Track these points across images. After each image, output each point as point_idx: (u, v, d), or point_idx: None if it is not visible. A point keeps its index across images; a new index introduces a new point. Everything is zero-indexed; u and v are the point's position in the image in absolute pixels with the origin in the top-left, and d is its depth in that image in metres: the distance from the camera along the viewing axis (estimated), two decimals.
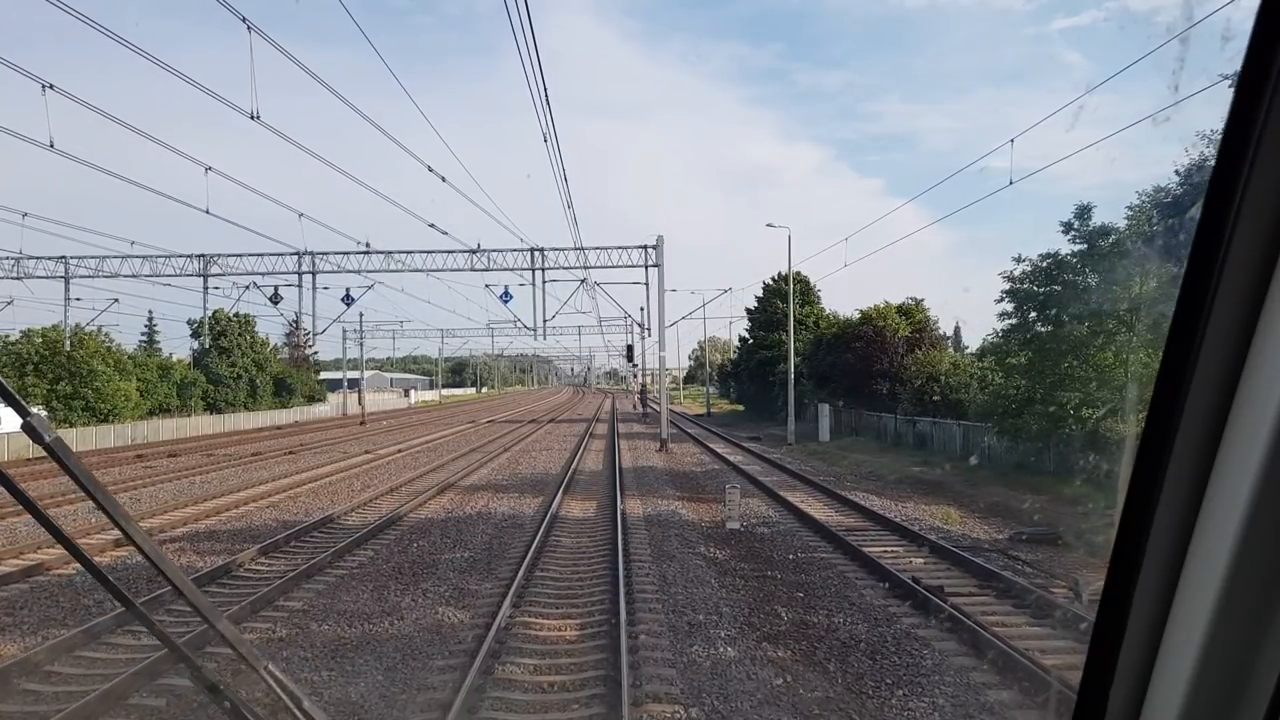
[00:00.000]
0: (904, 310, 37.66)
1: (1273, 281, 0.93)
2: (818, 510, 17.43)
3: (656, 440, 34.29)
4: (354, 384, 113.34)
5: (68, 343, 39.41)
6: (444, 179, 16.75)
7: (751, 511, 16.87)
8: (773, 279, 57.79)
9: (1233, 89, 0.92)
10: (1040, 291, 22.32)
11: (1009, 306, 23.63)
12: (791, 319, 38.03)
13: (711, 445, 34.26)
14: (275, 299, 31.55)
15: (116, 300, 40.07)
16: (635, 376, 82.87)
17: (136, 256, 31.29)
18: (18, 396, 1.23)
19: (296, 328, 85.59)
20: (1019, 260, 22.78)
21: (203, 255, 31.17)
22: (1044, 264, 21.61)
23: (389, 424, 56.85)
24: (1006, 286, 23.29)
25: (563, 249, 32.67)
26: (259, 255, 31.37)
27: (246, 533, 15.32)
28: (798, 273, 55.35)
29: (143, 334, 70.09)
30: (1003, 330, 23.88)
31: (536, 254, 32.56)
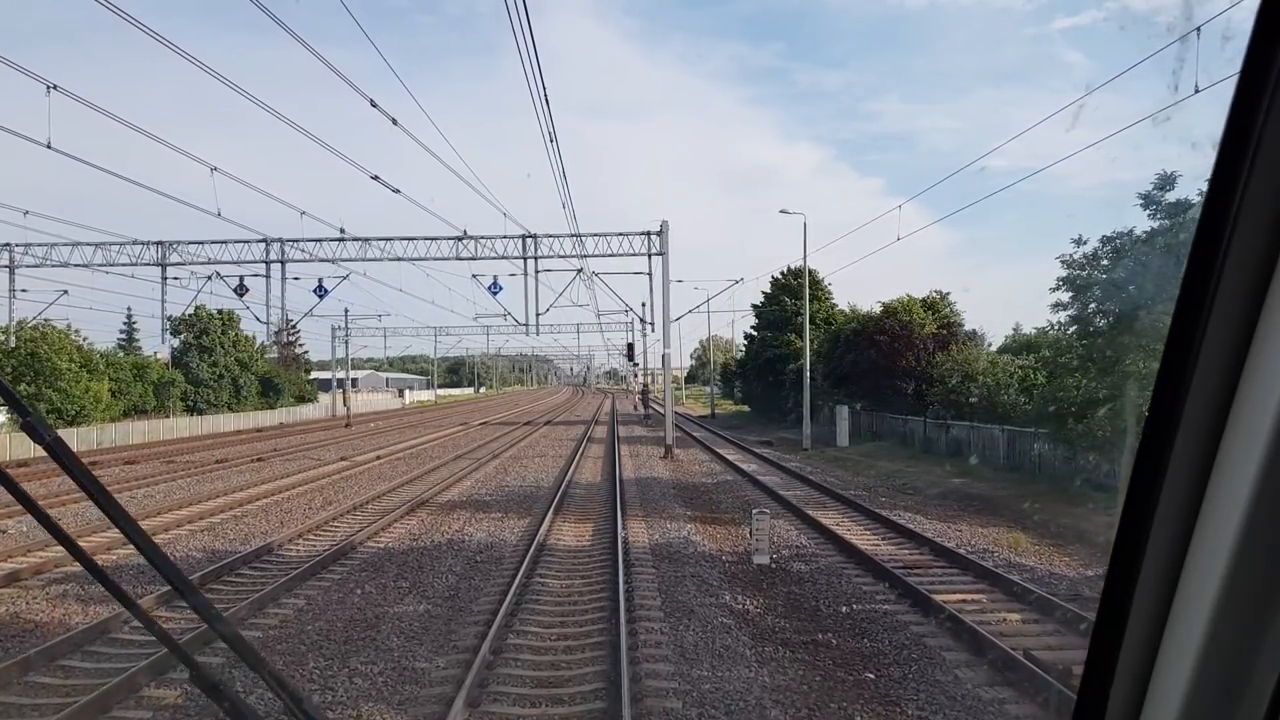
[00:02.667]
0: (928, 304, 34.71)
1: (1273, 281, 0.93)
2: (859, 536, 14.50)
3: (660, 445, 31.36)
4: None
5: (12, 339, 36.44)
6: (395, 121, 13.99)
7: (780, 538, 13.95)
8: (781, 273, 54.82)
9: (1233, 89, 0.92)
10: (1104, 277, 19.45)
11: (1065, 296, 20.75)
12: (806, 313, 35.10)
13: (720, 451, 31.34)
14: (240, 290, 28.62)
15: (65, 292, 37.09)
16: (636, 376, 79.82)
17: (88, 244, 28.34)
18: (18, 396, 1.21)
19: (286, 325, 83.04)
20: (1080, 242, 19.90)
21: (160, 242, 28.22)
22: (1116, 242, 18.66)
23: (377, 426, 53.91)
24: (1064, 273, 20.41)
25: (558, 236, 29.74)
26: (222, 243, 28.44)
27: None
28: (806, 267, 52.45)
29: (121, 331, 67.21)
30: (1060, 322, 21.02)
31: (529, 241, 29.61)
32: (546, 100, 16.11)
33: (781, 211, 33.18)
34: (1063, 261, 20.25)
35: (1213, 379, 0.99)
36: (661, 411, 55.28)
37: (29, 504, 1.27)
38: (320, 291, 29.30)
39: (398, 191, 16.75)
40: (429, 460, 28.99)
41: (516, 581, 10.71)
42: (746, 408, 64.27)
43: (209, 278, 28.47)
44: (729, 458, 28.66)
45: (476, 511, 17.22)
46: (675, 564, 12.09)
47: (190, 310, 46.47)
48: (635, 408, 66.12)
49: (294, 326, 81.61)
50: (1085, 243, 19.79)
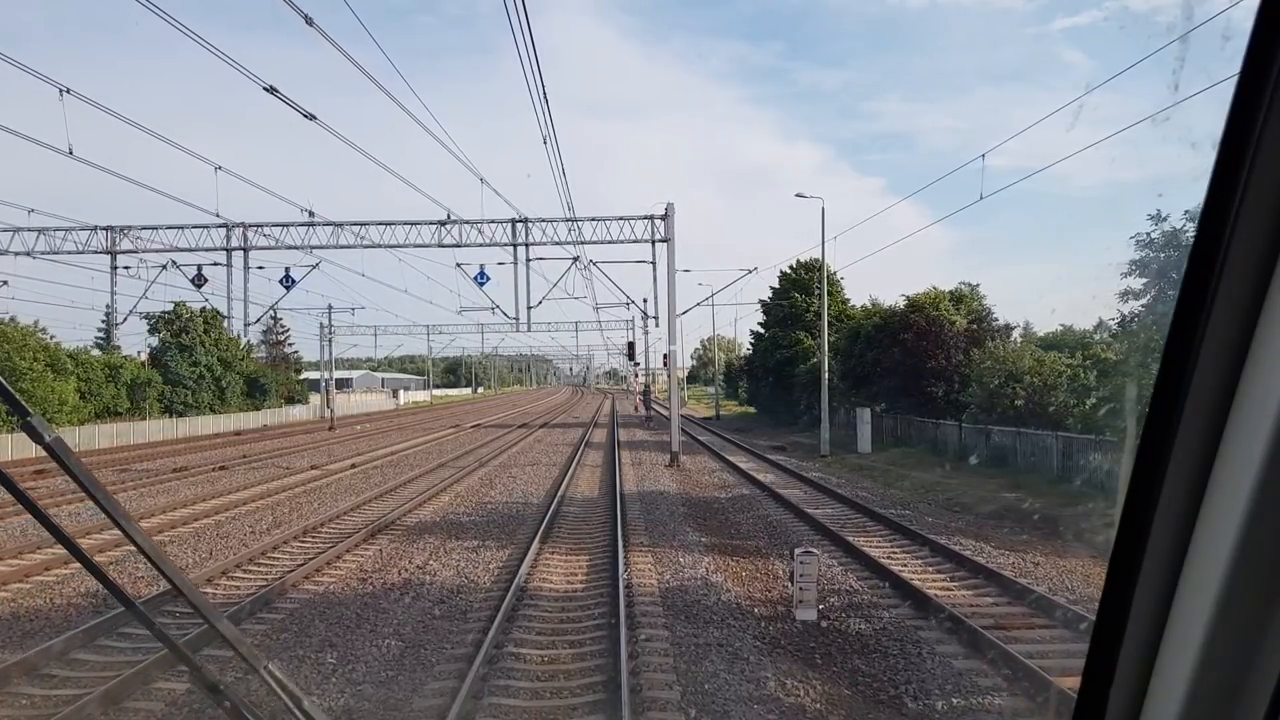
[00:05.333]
0: (956, 297, 31.83)
1: (1273, 281, 0.93)
2: (920, 574, 11.63)
3: (664, 451, 28.51)
4: (341, 384, 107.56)
5: None
6: (310, 20, 11.11)
7: (822, 576, 11.04)
8: (790, 267, 51.81)
9: (1233, 89, 0.92)
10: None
11: (1138, 282, 17.94)
12: (825, 307, 32.19)
13: (730, 458, 28.43)
14: (199, 281, 25.70)
15: (5, 283, 34.28)
16: (636, 376, 76.90)
17: (30, 230, 25.44)
18: (18, 396, 1.19)
19: (275, 323, 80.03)
20: (1158, 219, 17.05)
21: (109, 228, 25.33)
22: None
23: (364, 428, 50.98)
24: (1136, 256, 17.59)
25: (551, 220, 26.83)
26: (179, 228, 25.55)
27: (11, 625, 9.53)
28: (817, 260, 49.50)
29: (99, 329, 64.14)
30: (1134, 313, 18.18)
31: (519, 226, 26.72)
32: (538, 64, 13.50)
33: (797, 195, 30.31)
34: (1137, 242, 17.44)
35: (1213, 379, 0.98)
36: (663, 413, 52.29)
37: (29, 504, 1.24)
38: (287, 282, 26.40)
39: (312, 118, 13.83)
40: (408, 469, 26.11)
41: (482, 654, 7.82)
42: (752, 409, 61.45)
43: (163, 267, 25.62)
44: (741, 466, 25.78)
45: (448, 538, 14.31)
46: (694, 622, 9.18)
47: (142, 303, 42.77)
48: (636, 409, 63.23)
49: (281, 324, 78.99)
50: (1165, 219, 16.96)
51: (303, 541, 14.44)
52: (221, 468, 27.47)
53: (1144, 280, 17.64)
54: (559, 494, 19.26)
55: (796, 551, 9.42)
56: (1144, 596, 1.09)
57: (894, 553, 13.14)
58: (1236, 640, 0.99)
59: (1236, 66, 0.90)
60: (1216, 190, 0.94)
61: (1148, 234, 17.15)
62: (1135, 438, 1.09)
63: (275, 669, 1.47)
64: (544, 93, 13.36)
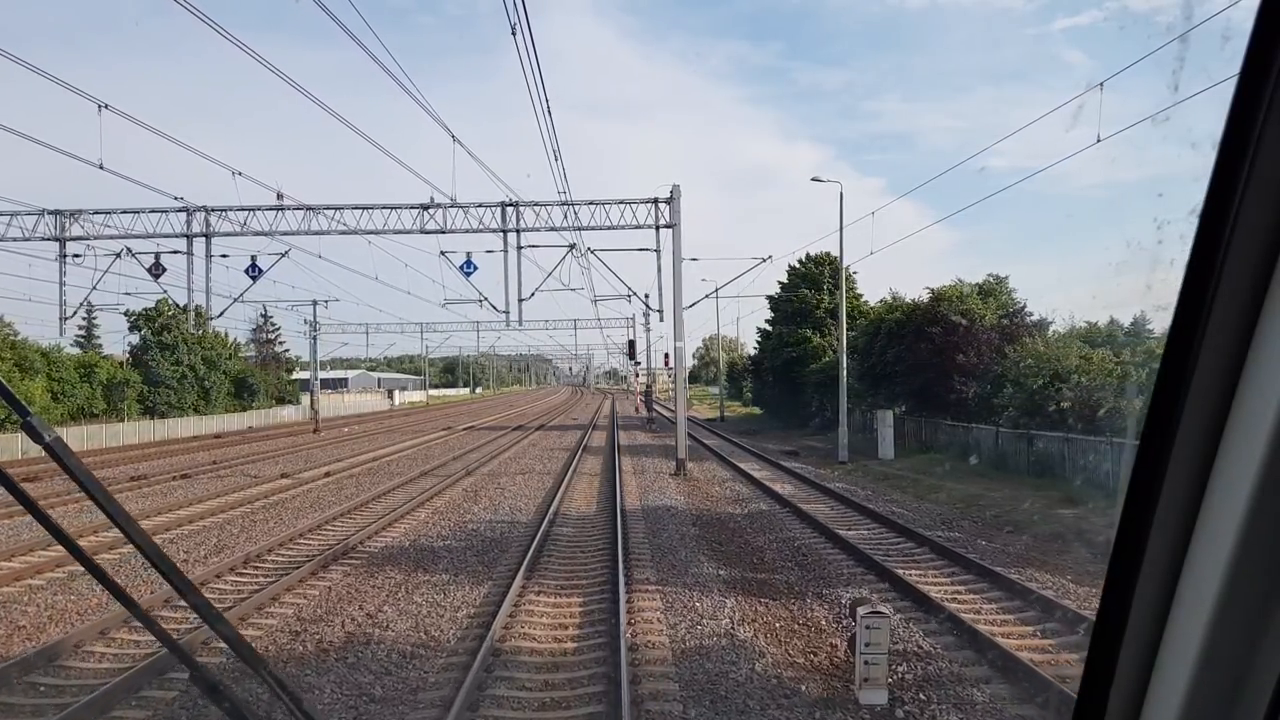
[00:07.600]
0: (984, 290, 29.48)
1: (1273, 281, 0.93)
2: (998, 624, 9.23)
3: (668, 457, 26.15)
4: (336, 384, 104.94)
5: None
6: None
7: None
8: (800, 261, 49.25)
9: (1233, 89, 0.92)
10: None
11: None
12: (843, 299, 29.75)
13: (741, 465, 26.04)
14: (156, 270, 23.31)
15: None
16: (637, 376, 74.50)
17: None
18: (17, 397, 1.18)
19: (265, 320, 77.61)
20: None
21: (58, 211, 22.93)
22: None
23: (350, 431, 48.59)
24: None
25: (545, 204, 24.41)
26: (135, 212, 23.12)
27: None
28: (828, 254, 47.10)
29: (80, 328, 61.71)
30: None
31: (510, 211, 24.30)
32: (534, 46, 11.27)
33: (813, 179, 27.92)
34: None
35: (1213, 379, 0.98)
36: (666, 415, 49.95)
37: (29, 504, 1.23)
38: (253, 271, 23.99)
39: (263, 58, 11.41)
40: (388, 477, 23.71)
41: None
42: (758, 410, 59.11)
43: (117, 255, 23.24)
44: (754, 474, 23.37)
45: (415, 570, 11.91)
46: (726, 712, 6.76)
47: (92, 294, 40.06)
48: (637, 410, 60.87)
49: (272, 322, 76.55)
50: None
51: (240, 574, 12.04)
52: (184, 476, 25.06)
53: None
54: (551, 510, 16.85)
55: (861, 611, 7.00)
56: (1144, 596, 1.08)
57: (958, 592, 10.74)
58: (1236, 640, 0.98)
59: (1236, 66, 0.90)
60: (1216, 190, 0.93)
61: None
62: (1135, 438, 1.07)
63: (275, 669, 1.44)
64: (525, 14, 11.14)
